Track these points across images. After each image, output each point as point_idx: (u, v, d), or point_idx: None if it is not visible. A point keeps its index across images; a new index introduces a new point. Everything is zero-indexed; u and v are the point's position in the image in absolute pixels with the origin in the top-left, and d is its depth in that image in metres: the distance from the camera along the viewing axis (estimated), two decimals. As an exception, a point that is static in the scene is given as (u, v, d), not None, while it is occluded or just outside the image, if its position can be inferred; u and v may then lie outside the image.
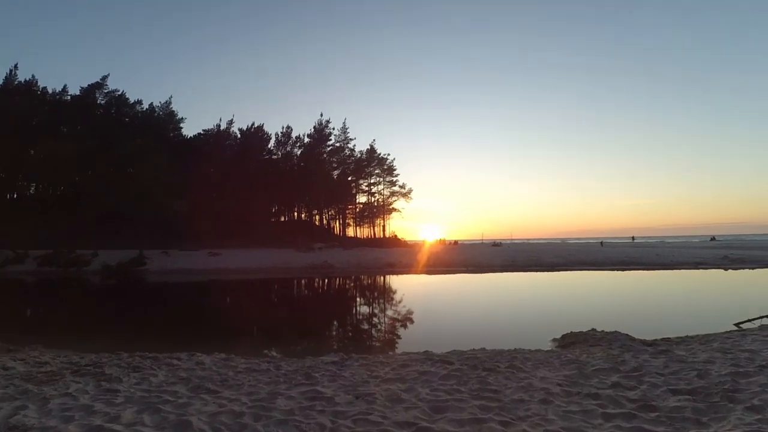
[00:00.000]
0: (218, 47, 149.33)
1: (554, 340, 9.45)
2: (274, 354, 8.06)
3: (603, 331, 9.13)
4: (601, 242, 56.69)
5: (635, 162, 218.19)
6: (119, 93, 52.79)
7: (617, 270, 29.92)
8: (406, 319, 13.45)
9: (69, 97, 51.70)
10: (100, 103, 52.69)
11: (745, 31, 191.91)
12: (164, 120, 56.01)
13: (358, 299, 19.52)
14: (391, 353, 7.82)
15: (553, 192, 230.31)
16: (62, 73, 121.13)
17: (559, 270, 30.54)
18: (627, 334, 8.68)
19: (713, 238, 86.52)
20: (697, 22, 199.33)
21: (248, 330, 12.18)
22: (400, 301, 17.74)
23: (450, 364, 5.75)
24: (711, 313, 13.07)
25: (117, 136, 47.16)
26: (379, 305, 17.14)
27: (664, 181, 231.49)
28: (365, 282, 26.77)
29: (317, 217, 62.28)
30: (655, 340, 8.73)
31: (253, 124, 58.60)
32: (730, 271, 28.01)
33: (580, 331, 9.37)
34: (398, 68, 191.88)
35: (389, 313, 15.00)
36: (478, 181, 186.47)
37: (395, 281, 26.64)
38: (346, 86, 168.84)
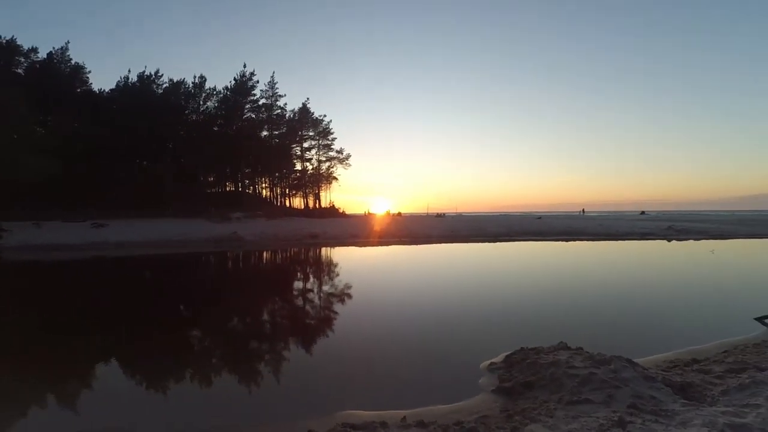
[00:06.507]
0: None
1: (492, 367, 5.09)
2: None
3: (581, 349, 4.89)
4: (539, 216, 55.29)
5: (573, 141, 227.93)
6: (8, 39, 41.41)
7: (562, 240, 27.11)
8: (256, 339, 8.58)
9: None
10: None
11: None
12: (68, 73, 45.30)
13: (216, 292, 12.93)
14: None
15: (498, 168, 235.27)
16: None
17: (501, 240, 27.21)
18: (629, 360, 4.44)
19: (643, 212, 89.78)
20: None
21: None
22: (281, 297, 11.83)
23: None
24: (708, 301, 9.49)
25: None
26: (241, 306, 12.01)
27: (596, 159, 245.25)
28: (262, 259, 20.78)
29: (253, 187, 55.19)
30: (683, 377, 4.57)
31: (158, 70, 49.35)
32: (674, 242, 26.07)
33: (538, 349, 5.12)
34: (335, 28, 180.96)
35: (238, 327, 10.08)
36: (428, 157, 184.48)
37: (300, 257, 20.77)
38: (275, 42, 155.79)
